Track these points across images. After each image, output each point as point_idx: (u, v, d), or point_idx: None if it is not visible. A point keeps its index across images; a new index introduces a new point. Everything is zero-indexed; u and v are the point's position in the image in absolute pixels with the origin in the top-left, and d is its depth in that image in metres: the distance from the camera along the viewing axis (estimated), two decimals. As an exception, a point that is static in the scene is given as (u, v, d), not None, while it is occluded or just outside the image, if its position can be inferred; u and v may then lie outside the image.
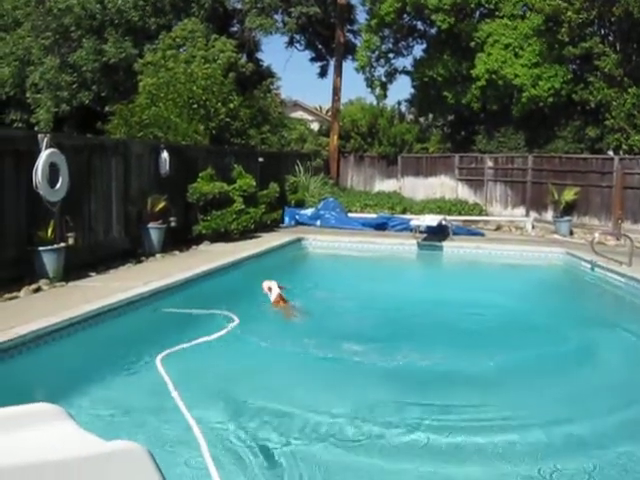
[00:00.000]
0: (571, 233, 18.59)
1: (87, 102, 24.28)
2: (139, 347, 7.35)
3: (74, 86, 24.17)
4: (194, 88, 18.97)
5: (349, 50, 28.57)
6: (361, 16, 29.49)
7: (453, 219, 18.72)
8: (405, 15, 24.92)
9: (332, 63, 29.11)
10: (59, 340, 7.13)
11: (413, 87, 26.48)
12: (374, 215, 20.19)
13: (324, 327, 8.90)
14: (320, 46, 30.72)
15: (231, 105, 19.89)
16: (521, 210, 21.89)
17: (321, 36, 30.01)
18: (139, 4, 24.34)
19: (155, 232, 13.09)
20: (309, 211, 20.08)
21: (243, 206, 15.59)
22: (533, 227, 19.74)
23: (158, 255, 12.89)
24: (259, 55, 28.30)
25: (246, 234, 15.72)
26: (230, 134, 20.48)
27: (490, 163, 23.05)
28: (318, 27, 29.30)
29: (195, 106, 18.80)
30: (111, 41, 23.50)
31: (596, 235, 14.89)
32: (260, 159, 19.31)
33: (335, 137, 26.97)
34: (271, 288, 9.78)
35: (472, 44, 22.74)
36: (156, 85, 19.69)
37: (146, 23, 24.58)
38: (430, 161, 25.42)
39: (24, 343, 6.66)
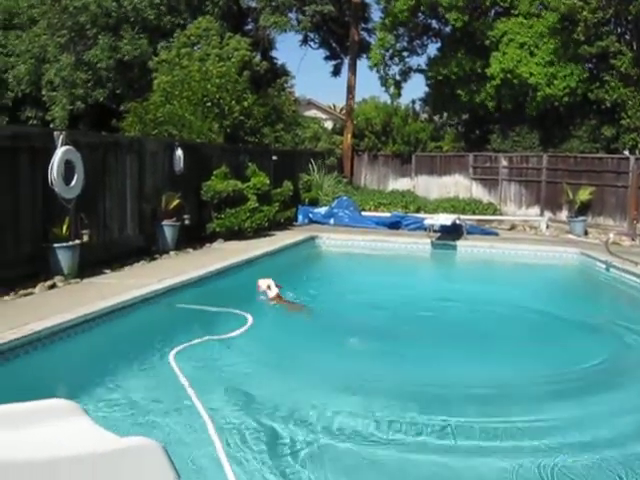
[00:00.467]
0: (586, 233, 18.47)
1: (102, 100, 24.35)
2: (153, 343, 7.38)
3: (89, 84, 24.25)
4: (208, 86, 19.00)
5: (363, 48, 28.50)
6: (376, 14, 29.44)
7: (467, 218, 18.64)
8: (420, 14, 24.84)
9: (346, 61, 29.08)
10: (74, 336, 7.16)
11: (427, 86, 26.40)
12: (388, 214, 20.15)
13: (338, 325, 8.89)
14: (334, 44, 30.67)
15: (245, 103, 19.90)
16: (535, 210, 21.79)
17: (335, 34, 29.97)
18: (155, 2, 24.41)
19: (169, 230, 13.13)
20: (323, 209, 20.07)
21: (257, 204, 15.60)
22: (547, 227, 19.64)
23: (172, 252, 12.92)
24: (273, 53, 28.35)
25: (260, 232, 15.74)
26: (244, 132, 20.50)
27: (505, 162, 22.95)
28: (332, 25, 29.26)
29: (209, 104, 18.83)
30: (127, 38, 23.57)
31: (611, 235, 14.85)
32: (274, 157, 19.32)
33: (349, 136, 26.93)
34: (270, 286, 9.85)
35: (487, 43, 22.65)
36: (171, 83, 19.74)
37: (161, 21, 24.65)
38: (444, 160, 25.34)
39: (39, 339, 6.69)
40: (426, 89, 26.79)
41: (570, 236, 18.18)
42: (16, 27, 26.75)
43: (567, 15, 20.10)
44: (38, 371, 6.42)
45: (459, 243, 16.00)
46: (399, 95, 26.95)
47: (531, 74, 21.47)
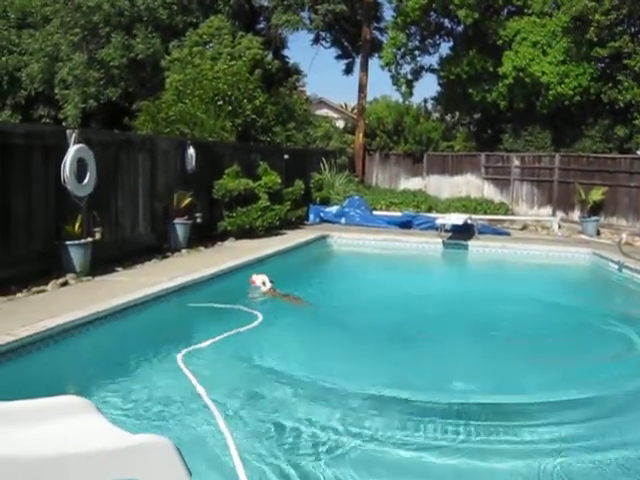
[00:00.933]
0: (598, 233, 18.38)
1: (114, 98, 24.45)
2: (165, 341, 7.40)
3: (102, 82, 24.35)
4: (220, 85, 19.03)
5: (375, 47, 28.47)
6: (387, 13, 29.46)
7: (479, 218, 18.60)
8: (432, 12, 24.80)
9: (358, 60, 29.05)
10: (86, 334, 7.18)
11: (439, 85, 26.36)
12: (399, 213, 20.13)
13: (351, 324, 8.89)
14: (346, 43, 30.63)
15: (257, 102, 19.93)
16: (547, 210, 21.71)
17: (347, 33, 29.93)
18: (167, 2, 24.49)
19: (181, 228, 13.16)
20: (334, 209, 20.07)
21: (268, 203, 15.61)
22: (559, 227, 19.56)
23: (184, 251, 12.95)
24: (285, 52, 28.36)
25: (271, 231, 15.75)
26: (256, 131, 20.53)
27: (517, 162, 22.89)
28: (344, 24, 29.23)
29: (221, 103, 18.86)
30: (140, 37, 23.65)
31: (624, 236, 14.78)
32: (285, 156, 19.32)
33: (360, 135, 26.90)
34: (265, 282, 10.18)
35: (499, 42, 22.58)
36: (183, 82, 19.80)
37: (173, 20, 24.72)
38: (456, 159, 25.29)
39: (51, 336, 6.72)
40: (438, 88, 26.80)
41: (582, 236, 18.10)
42: (29, 26, 26.90)
43: (579, 16, 20.00)
44: (50, 368, 6.44)
45: (470, 243, 15.96)
46: (411, 94, 26.92)
47: (543, 73, 21.39)
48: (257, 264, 11.98)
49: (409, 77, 26.48)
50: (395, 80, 26.38)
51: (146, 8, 24.11)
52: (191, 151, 14.17)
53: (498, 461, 4.78)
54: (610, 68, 21.31)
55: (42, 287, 8.95)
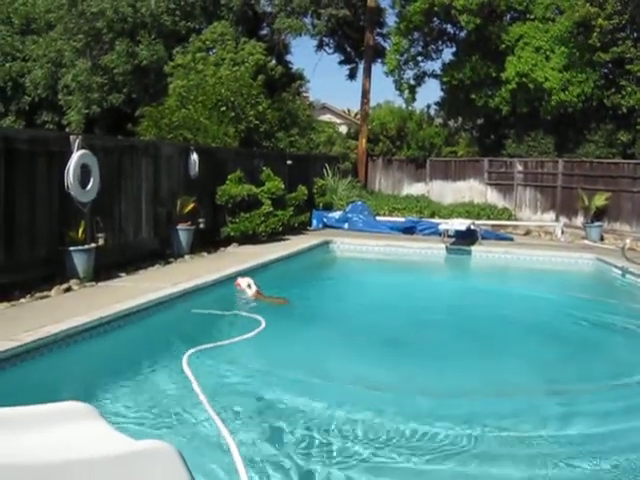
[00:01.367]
0: (601, 239, 18.37)
1: (118, 104, 24.49)
2: (168, 346, 7.40)
3: (105, 88, 24.40)
4: (222, 90, 19.06)
5: (378, 53, 28.54)
6: (390, 19, 29.54)
7: (482, 223, 18.60)
8: (434, 18, 24.83)
9: (361, 66, 29.09)
10: (89, 339, 7.19)
11: (442, 90, 26.38)
12: (402, 219, 20.13)
13: (355, 330, 8.89)
14: (349, 49, 30.71)
15: (260, 107, 19.96)
16: (551, 215, 21.70)
17: (350, 39, 30.01)
18: (170, 8, 24.55)
19: (184, 233, 13.16)
20: (337, 214, 20.08)
21: (271, 209, 15.62)
22: (563, 232, 19.54)
23: (187, 256, 12.95)
24: (288, 58, 28.40)
25: (274, 236, 15.76)
26: (259, 137, 20.55)
27: (520, 167, 22.89)
28: (347, 30, 29.30)
29: (224, 108, 18.89)
30: (144, 44, 23.70)
31: (627, 241, 14.74)
32: (289, 162, 19.34)
33: (364, 140, 26.92)
34: (250, 285, 10.22)
35: (502, 47, 22.59)
36: (186, 87, 19.85)
37: (177, 26, 24.78)
38: (459, 165, 25.31)
39: (55, 342, 6.73)
40: (441, 94, 26.80)
41: (586, 242, 18.08)
42: (33, 32, 26.96)
43: (582, 21, 20.01)
44: (53, 373, 6.44)
45: (474, 248, 15.95)
46: (414, 100, 26.94)
47: (546, 79, 21.40)
48: (260, 270, 11.98)
49: (412, 83, 26.51)
50: (398, 86, 26.40)
51: (149, 14, 24.17)
52: (194, 157, 14.20)
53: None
54: (613, 73, 21.30)
55: (45, 293, 8.96)
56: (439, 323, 9.58)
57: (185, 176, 14.04)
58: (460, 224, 17.04)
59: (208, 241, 14.21)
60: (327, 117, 36.11)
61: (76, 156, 10.06)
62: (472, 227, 17.03)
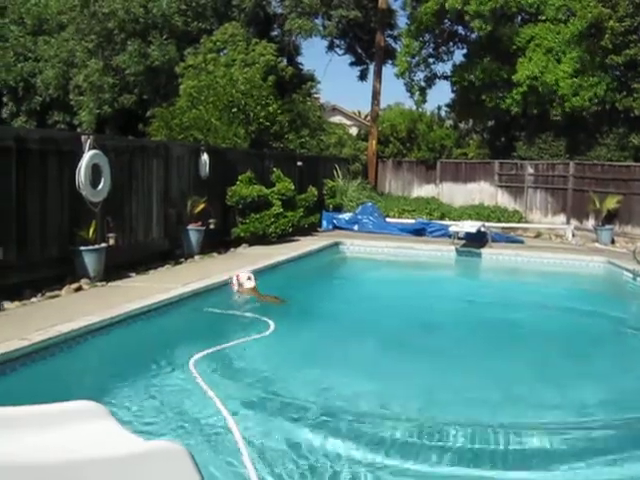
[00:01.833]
0: (612, 242, 18.29)
1: (129, 105, 24.55)
2: (178, 347, 7.41)
3: (116, 88, 24.47)
4: (233, 92, 19.08)
5: (389, 55, 28.51)
6: (401, 21, 29.46)
7: (492, 226, 18.54)
8: (445, 20, 24.79)
9: (372, 67, 29.08)
10: (100, 339, 7.20)
11: (453, 92, 26.34)
12: (412, 221, 20.08)
13: (364, 331, 8.87)
14: (360, 50, 30.70)
15: (270, 109, 19.96)
16: (561, 218, 21.62)
17: (361, 40, 30.00)
18: (182, 9, 24.60)
19: (194, 234, 13.18)
20: (347, 215, 20.06)
21: (281, 210, 15.62)
22: (574, 235, 19.45)
23: (197, 257, 12.97)
24: (299, 60, 28.43)
25: (284, 237, 15.76)
26: (269, 138, 20.56)
27: (531, 170, 22.82)
28: (358, 31, 29.30)
29: (235, 110, 18.91)
30: (155, 44, 23.76)
31: (638, 244, 14.67)
32: (299, 163, 19.34)
33: (374, 142, 26.88)
34: (250, 278, 10.17)
35: (513, 48, 22.52)
36: (197, 88, 19.88)
37: (188, 27, 24.83)
38: (469, 167, 25.25)
39: (66, 341, 6.74)
40: (452, 95, 26.76)
41: (597, 245, 18.01)
42: (45, 32, 27.06)
43: (594, 23, 19.93)
44: (64, 373, 6.46)
45: (484, 250, 15.90)
46: (424, 102, 26.93)
47: (557, 83, 21.29)
48: (270, 270, 11.98)
49: (423, 84, 26.49)
50: (409, 88, 26.38)
51: (161, 15, 24.24)
52: (205, 157, 14.22)
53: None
54: (625, 76, 21.20)
55: (56, 292, 8.99)
56: (451, 326, 9.54)
57: (196, 177, 14.05)
58: (470, 226, 16.98)
59: (218, 242, 14.22)
60: (337, 119, 36.08)
61: (87, 156, 10.08)
62: (482, 229, 16.98)
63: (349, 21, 27.54)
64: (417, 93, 26.39)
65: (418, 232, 18.64)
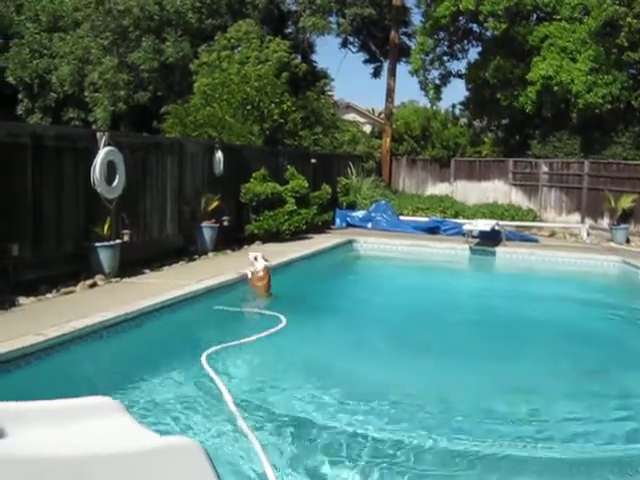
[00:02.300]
0: (628, 241, 18.18)
1: (143, 101, 24.61)
2: (191, 343, 7.43)
3: (131, 86, 24.54)
4: (248, 89, 19.09)
5: (403, 52, 28.43)
6: (416, 18, 29.38)
7: (506, 224, 18.47)
8: (460, 18, 24.70)
9: (386, 65, 29.02)
10: (114, 335, 7.23)
11: (467, 90, 26.24)
12: (426, 219, 20.05)
13: (380, 330, 8.86)
14: (374, 48, 30.63)
15: (284, 106, 19.96)
16: (576, 217, 21.51)
17: (375, 38, 29.94)
18: (196, 6, 24.63)
19: (208, 231, 13.20)
20: (360, 213, 20.04)
21: (295, 207, 15.63)
22: (588, 234, 19.36)
23: (210, 254, 13.00)
24: (313, 57, 28.38)
25: (297, 235, 15.76)
26: (283, 135, 20.57)
27: (545, 168, 22.72)
28: (372, 29, 29.24)
29: (249, 107, 18.92)
30: (170, 41, 23.81)
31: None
32: (313, 160, 19.34)
33: (388, 139, 26.84)
34: (257, 258, 10.10)
35: (528, 47, 22.39)
36: (211, 85, 19.91)
37: (202, 24, 24.86)
38: (483, 165, 25.16)
39: (81, 337, 6.78)
40: (466, 93, 26.66)
41: (612, 244, 17.91)
42: (60, 29, 27.16)
43: (610, 21, 19.80)
44: (79, 368, 6.50)
45: (498, 249, 15.85)
46: (438, 99, 26.83)
47: (572, 81, 21.16)
48: (283, 268, 11.99)
49: (437, 82, 26.40)
50: (423, 85, 26.29)
51: (175, 12, 24.28)
52: (219, 154, 14.24)
53: None
54: (641, 74, 21.08)
55: (71, 288, 9.04)
56: (466, 324, 9.51)
57: (210, 174, 14.08)
58: (484, 225, 16.93)
59: (232, 239, 14.24)
60: (351, 116, 36.04)
61: (102, 153, 10.13)
62: (496, 228, 16.92)
63: (363, 18, 27.49)
64: (431, 91, 26.30)
65: (432, 230, 18.60)
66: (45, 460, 2.02)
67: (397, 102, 29.93)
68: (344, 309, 10.23)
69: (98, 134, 10.42)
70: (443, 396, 6.17)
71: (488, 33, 24.81)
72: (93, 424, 2.31)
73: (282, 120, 20.00)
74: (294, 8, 27.08)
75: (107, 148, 10.23)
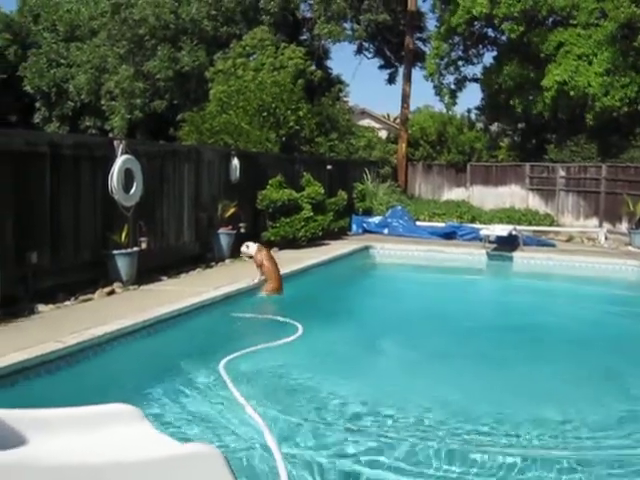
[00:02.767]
0: (646, 245, 18.03)
1: (160, 109, 24.75)
2: (209, 350, 7.42)
3: (147, 94, 24.69)
4: (264, 96, 19.14)
5: (418, 57, 28.43)
6: (431, 23, 29.37)
7: (523, 229, 18.37)
8: (475, 22, 24.64)
9: (401, 70, 29.01)
10: (133, 342, 7.25)
11: (483, 95, 26.17)
12: (442, 224, 19.98)
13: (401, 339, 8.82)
14: (389, 53, 30.67)
15: (300, 113, 19.99)
16: (594, 221, 21.36)
17: (390, 43, 29.97)
18: (211, 14, 24.76)
19: (225, 238, 13.23)
20: (377, 219, 20.00)
21: (311, 213, 15.63)
22: (606, 238, 19.23)
23: (227, 260, 13.03)
24: (328, 64, 28.46)
25: (314, 241, 15.75)
26: (299, 142, 20.60)
27: (562, 172, 22.60)
28: (387, 34, 29.26)
29: (265, 114, 18.97)
30: (185, 50, 23.95)
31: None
32: (328, 167, 19.35)
33: (403, 145, 26.81)
34: (249, 246, 10.77)
35: (543, 54, 22.27)
36: (227, 93, 19.98)
37: (218, 32, 24.98)
38: (500, 170, 25.06)
39: (99, 344, 6.81)
40: (482, 98, 26.58)
41: (630, 248, 17.75)
42: (77, 39, 27.41)
43: (627, 23, 19.69)
44: (98, 375, 6.51)
45: (515, 254, 15.77)
46: (454, 104, 26.77)
47: (588, 84, 21.03)
48: (300, 274, 11.98)
49: (452, 87, 26.36)
50: (438, 90, 26.25)
51: (190, 20, 24.42)
52: (235, 162, 14.28)
53: None
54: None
55: (89, 295, 9.07)
56: (493, 331, 9.44)
57: (226, 181, 14.12)
58: (501, 230, 16.85)
59: (248, 245, 14.24)
60: (366, 122, 36.03)
61: (120, 161, 10.18)
62: (513, 233, 16.84)
63: (378, 24, 27.52)
64: (447, 96, 26.25)
65: (448, 236, 18.54)
66: (66, 468, 2.03)
67: (412, 107, 29.91)
68: (362, 316, 10.19)
69: (115, 142, 10.47)
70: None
71: (503, 37, 24.76)
72: (113, 431, 2.31)
73: (298, 127, 20.03)
74: (309, 15, 27.17)
75: (124, 156, 10.28)
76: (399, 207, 20.82)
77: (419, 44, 29.60)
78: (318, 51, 26.65)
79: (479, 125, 28.79)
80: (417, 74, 28.68)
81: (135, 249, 10.28)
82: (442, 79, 26.21)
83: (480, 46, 26.51)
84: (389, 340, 8.64)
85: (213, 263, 12.68)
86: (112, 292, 9.45)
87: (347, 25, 27.28)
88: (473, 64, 26.66)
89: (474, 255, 15.94)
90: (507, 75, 22.93)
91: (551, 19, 23.57)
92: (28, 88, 27.22)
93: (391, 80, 30.77)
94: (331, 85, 26.22)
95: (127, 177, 10.34)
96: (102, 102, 25.62)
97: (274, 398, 6.06)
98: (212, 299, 9.16)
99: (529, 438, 5.26)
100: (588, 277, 14.57)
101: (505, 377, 7.10)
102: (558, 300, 11.95)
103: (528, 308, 11.12)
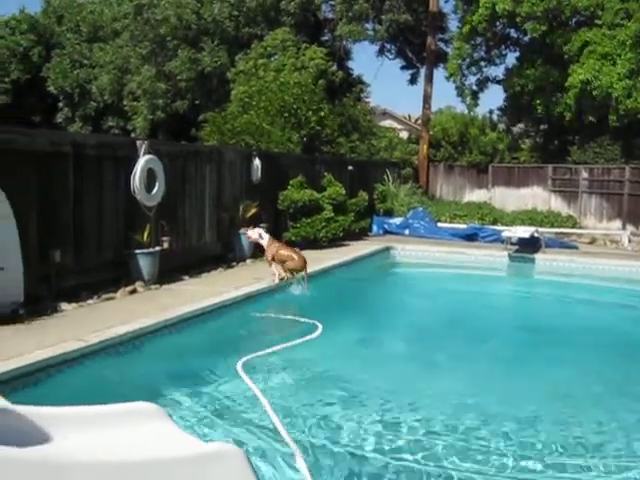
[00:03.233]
0: (670, 248, 17.86)
1: (181, 110, 24.86)
2: (230, 349, 7.44)
3: (169, 94, 24.81)
4: (285, 97, 19.16)
5: (440, 58, 28.32)
6: (452, 24, 29.27)
7: (545, 231, 18.24)
8: (498, 22, 24.50)
9: (422, 71, 28.92)
10: (155, 341, 7.28)
11: (505, 95, 26.01)
12: (464, 225, 19.89)
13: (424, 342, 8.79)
14: (411, 54, 30.59)
15: (322, 113, 19.99)
16: (617, 223, 21.19)
17: (412, 44, 29.88)
18: (233, 14, 24.83)
19: (246, 238, 13.24)
20: (398, 220, 19.95)
21: (332, 214, 15.62)
22: (630, 241, 19.04)
23: (248, 260, 13.05)
24: (349, 64, 28.44)
25: (335, 242, 15.74)
26: (320, 142, 20.60)
27: (585, 174, 22.43)
28: (409, 35, 29.19)
29: (286, 114, 18.99)
30: (207, 50, 24.03)
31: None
32: (350, 167, 19.33)
33: (425, 146, 26.69)
34: (262, 235, 11.06)
35: (567, 54, 22.09)
36: (248, 93, 20.02)
37: (239, 32, 25.05)
38: (522, 171, 24.90)
39: (122, 343, 6.85)
40: (504, 98, 26.43)
41: (654, 251, 17.59)
42: (100, 39, 27.63)
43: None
44: (120, 373, 6.54)
45: (537, 256, 15.65)
46: (476, 105, 26.62)
47: (612, 85, 20.83)
48: (321, 275, 11.97)
49: (474, 88, 26.23)
50: (460, 91, 26.13)
51: (212, 20, 24.49)
52: (257, 162, 14.30)
53: None
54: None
55: (111, 294, 9.13)
56: (521, 331, 9.40)
57: (248, 181, 14.15)
58: (523, 231, 16.74)
59: (270, 246, 14.26)
60: (388, 123, 35.96)
61: (142, 161, 10.23)
62: (536, 235, 16.72)
63: (399, 25, 27.45)
64: (468, 97, 26.13)
65: (470, 237, 18.44)
66: (89, 465, 2.04)
67: (434, 108, 29.81)
68: (383, 317, 10.15)
69: (138, 142, 10.53)
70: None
71: (526, 38, 24.60)
72: (136, 430, 2.32)
73: (319, 127, 20.03)
74: (330, 15, 27.17)
75: (147, 156, 10.34)
76: (420, 208, 20.75)
77: (441, 45, 29.48)
78: (339, 52, 26.64)
79: (501, 126, 28.62)
80: (439, 75, 28.60)
81: (157, 249, 10.33)
82: (464, 80, 26.09)
83: (502, 47, 26.35)
84: (407, 341, 8.63)
85: (234, 263, 12.70)
86: (134, 291, 9.49)
87: (369, 25, 27.28)
88: (495, 65, 26.54)
89: (496, 257, 15.85)
90: (529, 76, 22.78)
91: (574, 20, 23.39)
92: (52, 88, 27.48)
93: (413, 81, 30.72)
94: (352, 86, 26.21)
95: (149, 177, 10.39)
96: (124, 102, 25.79)
97: (290, 395, 6.07)
98: (233, 299, 9.18)
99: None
100: (611, 279, 14.44)
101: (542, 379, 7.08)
102: (582, 303, 11.84)
103: (552, 310, 11.03)
